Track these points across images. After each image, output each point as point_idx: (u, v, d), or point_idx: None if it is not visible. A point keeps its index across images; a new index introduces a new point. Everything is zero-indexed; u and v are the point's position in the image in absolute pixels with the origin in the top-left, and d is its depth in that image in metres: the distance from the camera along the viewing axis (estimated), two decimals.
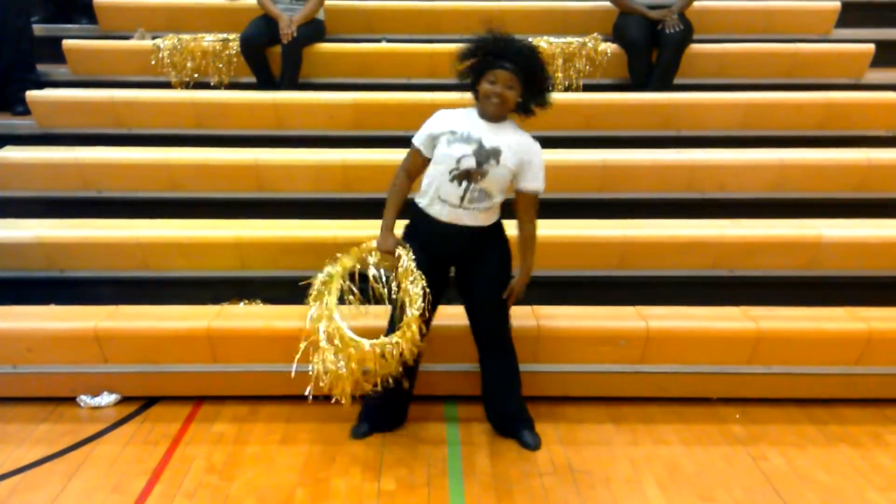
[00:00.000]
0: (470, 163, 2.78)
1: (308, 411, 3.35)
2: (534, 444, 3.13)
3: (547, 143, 4.32)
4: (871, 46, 5.05)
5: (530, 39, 4.93)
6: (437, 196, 2.87)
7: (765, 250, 3.87)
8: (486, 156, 2.78)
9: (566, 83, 4.97)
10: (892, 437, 3.26)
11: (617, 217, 4.02)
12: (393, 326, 2.92)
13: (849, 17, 5.41)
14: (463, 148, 2.78)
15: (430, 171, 2.91)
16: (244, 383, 3.44)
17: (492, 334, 3.12)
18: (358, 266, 3.05)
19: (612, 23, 5.06)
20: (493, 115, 2.82)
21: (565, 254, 3.82)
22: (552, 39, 4.99)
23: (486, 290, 3.01)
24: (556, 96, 4.71)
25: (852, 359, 3.40)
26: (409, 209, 3.02)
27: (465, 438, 3.20)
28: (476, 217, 2.88)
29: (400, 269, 2.91)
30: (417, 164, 2.97)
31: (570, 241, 3.80)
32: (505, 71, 2.73)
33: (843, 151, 4.41)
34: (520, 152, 2.83)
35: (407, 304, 2.85)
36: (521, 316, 3.37)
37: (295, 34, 4.69)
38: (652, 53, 4.87)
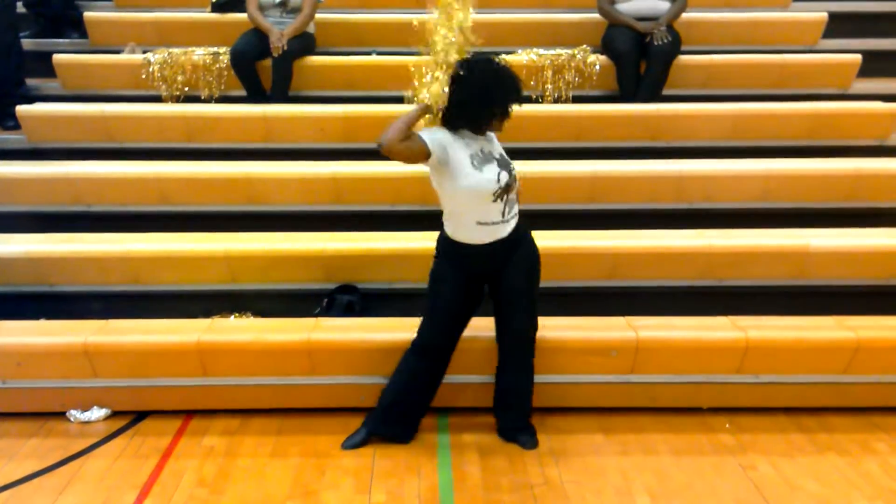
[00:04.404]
0: (505, 177, 2.89)
1: (299, 424, 3.36)
2: (531, 444, 3.20)
3: (537, 154, 4.42)
4: (858, 57, 5.10)
5: (520, 51, 5.04)
6: (476, 223, 2.92)
7: (753, 260, 3.89)
8: (506, 163, 2.94)
9: (556, 95, 5.00)
10: (881, 444, 3.27)
11: (606, 228, 4.04)
12: None
13: (835, 27, 5.45)
14: (493, 167, 2.89)
15: (462, 204, 2.92)
16: (235, 397, 3.44)
17: (521, 337, 3.14)
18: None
19: (600, 35, 5.09)
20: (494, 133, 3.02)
21: (555, 265, 3.80)
22: (541, 51, 5.02)
23: (520, 286, 3.06)
24: (547, 108, 4.81)
25: (840, 367, 3.42)
26: (440, 240, 3.07)
27: (456, 449, 3.20)
28: (512, 224, 2.99)
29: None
30: (415, 152, 2.82)
31: (561, 251, 3.81)
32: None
33: (830, 161, 4.44)
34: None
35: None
36: None
37: (285, 47, 4.70)
38: (640, 65, 4.91)
